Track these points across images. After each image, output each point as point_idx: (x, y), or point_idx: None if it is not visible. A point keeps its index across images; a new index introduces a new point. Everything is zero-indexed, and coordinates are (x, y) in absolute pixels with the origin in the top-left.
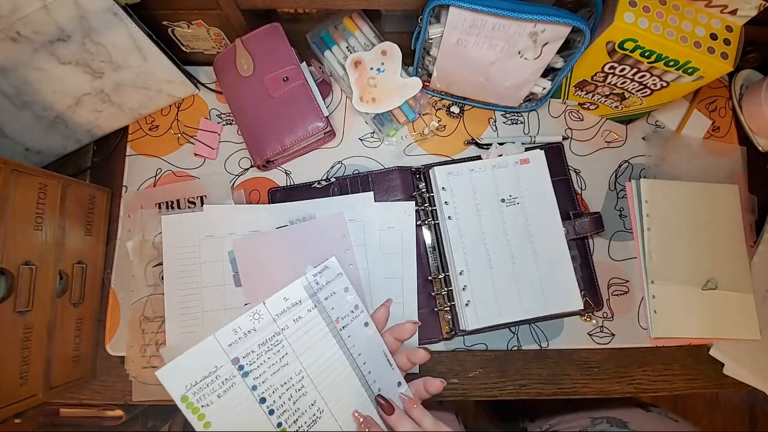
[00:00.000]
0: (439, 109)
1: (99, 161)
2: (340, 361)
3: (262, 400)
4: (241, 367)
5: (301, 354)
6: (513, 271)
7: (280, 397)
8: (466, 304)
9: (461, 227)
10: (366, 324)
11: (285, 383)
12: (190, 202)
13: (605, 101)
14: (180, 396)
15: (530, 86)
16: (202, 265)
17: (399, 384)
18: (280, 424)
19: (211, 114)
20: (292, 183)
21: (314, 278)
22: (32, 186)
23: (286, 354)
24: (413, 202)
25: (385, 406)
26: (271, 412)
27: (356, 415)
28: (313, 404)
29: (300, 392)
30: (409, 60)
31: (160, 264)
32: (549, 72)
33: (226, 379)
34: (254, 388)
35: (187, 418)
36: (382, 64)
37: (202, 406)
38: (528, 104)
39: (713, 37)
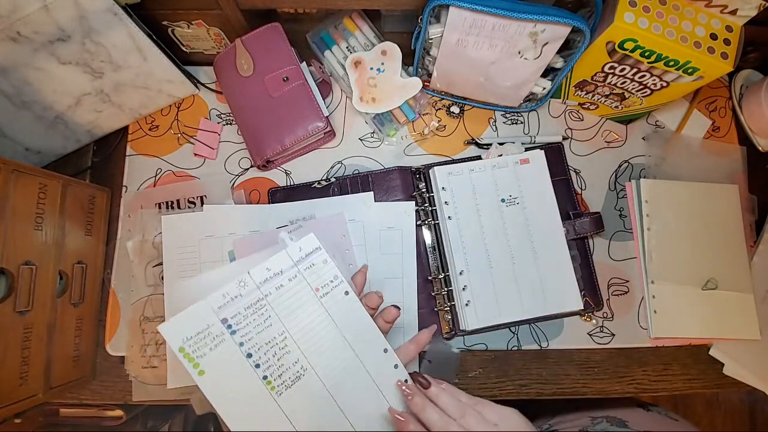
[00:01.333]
0: (439, 109)
1: (99, 161)
2: (321, 325)
3: (249, 355)
4: (229, 326)
5: (283, 317)
6: (513, 271)
7: (265, 353)
8: (466, 304)
9: (461, 227)
10: (346, 293)
11: (269, 342)
12: (190, 202)
13: (605, 101)
14: (178, 347)
15: (530, 86)
16: (202, 265)
17: (385, 351)
18: (265, 377)
19: (211, 114)
20: (292, 183)
21: (295, 250)
22: (32, 186)
23: (270, 317)
24: (413, 202)
25: (423, 382)
26: (257, 366)
27: (403, 387)
28: (296, 362)
29: (283, 350)
30: (409, 60)
31: (160, 264)
32: (549, 72)
33: (216, 335)
34: (241, 344)
35: (184, 365)
36: (382, 64)
37: (197, 357)
38: (528, 104)
39: (713, 37)
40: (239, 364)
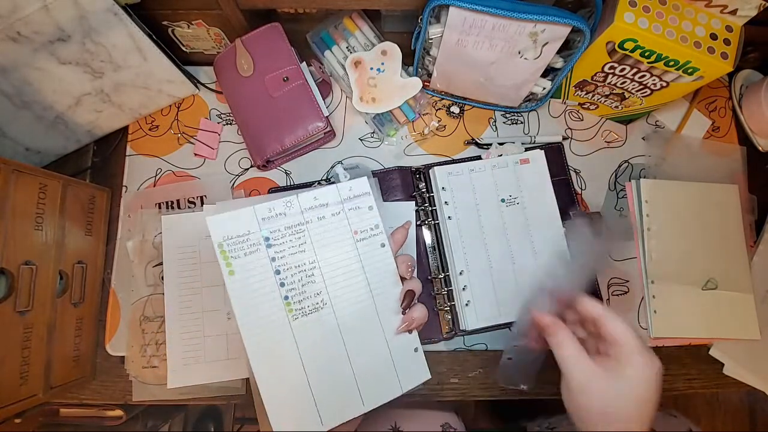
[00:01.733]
0: (439, 109)
1: (99, 161)
2: (351, 267)
3: (277, 272)
4: (267, 239)
5: (317, 248)
6: (513, 271)
7: (292, 275)
8: (466, 304)
9: (461, 227)
10: (383, 245)
11: (298, 266)
12: (190, 202)
13: (605, 101)
14: (218, 242)
15: (530, 86)
16: (202, 265)
17: (404, 312)
18: (286, 297)
19: (211, 114)
20: (292, 183)
21: (345, 188)
22: (32, 186)
23: (305, 243)
24: (413, 202)
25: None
26: (282, 284)
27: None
28: (318, 294)
29: (309, 279)
30: (409, 60)
31: (160, 264)
32: (549, 72)
33: (253, 243)
34: (273, 259)
35: (219, 262)
36: (382, 64)
37: (231, 257)
38: (528, 104)
39: (713, 37)
40: (267, 277)
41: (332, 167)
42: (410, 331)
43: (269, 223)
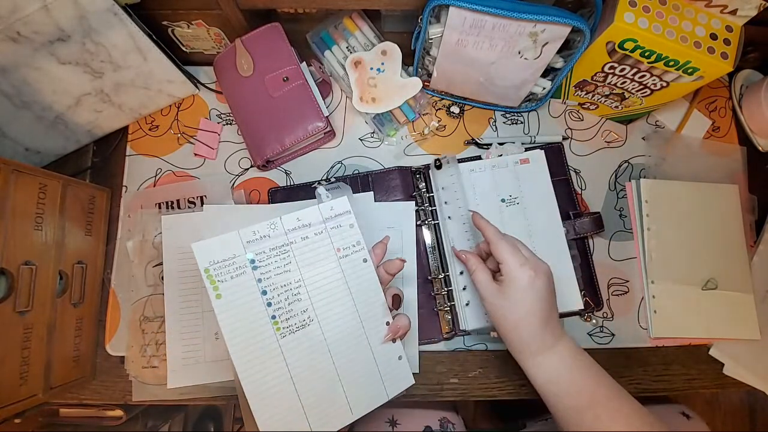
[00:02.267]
0: (439, 109)
1: (99, 161)
2: (335, 283)
3: (264, 292)
4: (252, 261)
5: (302, 267)
6: None
7: (278, 295)
8: (466, 304)
9: (461, 227)
10: (365, 260)
11: (284, 285)
12: (190, 202)
13: (605, 101)
14: (204, 267)
15: (530, 86)
16: None
17: (387, 324)
18: (274, 317)
19: (211, 114)
20: (292, 183)
21: (327, 208)
22: (32, 186)
23: (290, 263)
24: (413, 202)
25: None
26: (269, 304)
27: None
28: (305, 311)
29: (296, 297)
30: (409, 60)
31: (160, 264)
32: (549, 72)
33: (238, 266)
34: (259, 280)
35: (206, 286)
36: (382, 64)
37: (218, 281)
38: (528, 104)
39: (713, 37)
40: (253, 298)
41: (326, 174)
42: (394, 340)
43: (254, 246)
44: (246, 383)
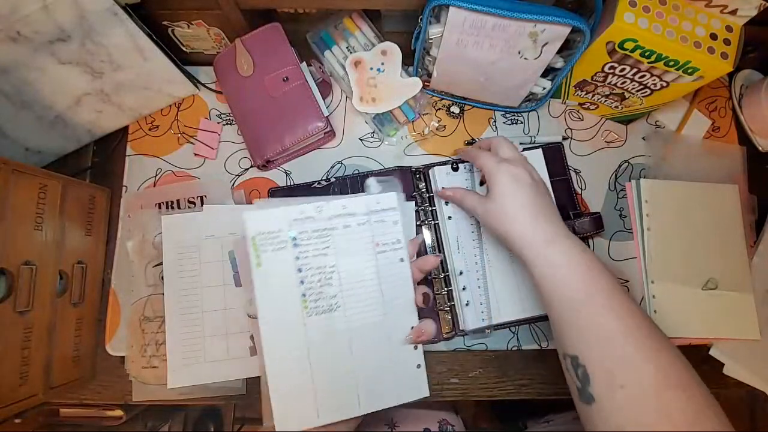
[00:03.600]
0: (439, 109)
1: (99, 161)
2: (367, 276)
3: (299, 270)
4: (294, 239)
5: (339, 254)
6: (512, 271)
7: (311, 275)
8: (466, 304)
9: (461, 227)
10: (402, 260)
11: (319, 268)
12: (190, 202)
13: (605, 101)
14: (251, 236)
15: (530, 86)
16: (202, 265)
17: (412, 327)
18: (303, 294)
19: (211, 114)
20: (292, 183)
21: (373, 201)
22: (32, 186)
23: (328, 247)
24: (413, 202)
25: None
26: (302, 282)
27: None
28: (333, 296)
29: (328, 281)
30: (409, 60)
31: (160, 264)
32: (549, 72)
33: (281, 241)
34: (297, 258)
35: (250, 253)
36: (382, 64)
37: (261, 251)
38: (528, 104)
39: (713, 37)
40: (289, 273)
41: (363, 178)
42: (416, 346)
43: (298, 225)
44: (267, 351)
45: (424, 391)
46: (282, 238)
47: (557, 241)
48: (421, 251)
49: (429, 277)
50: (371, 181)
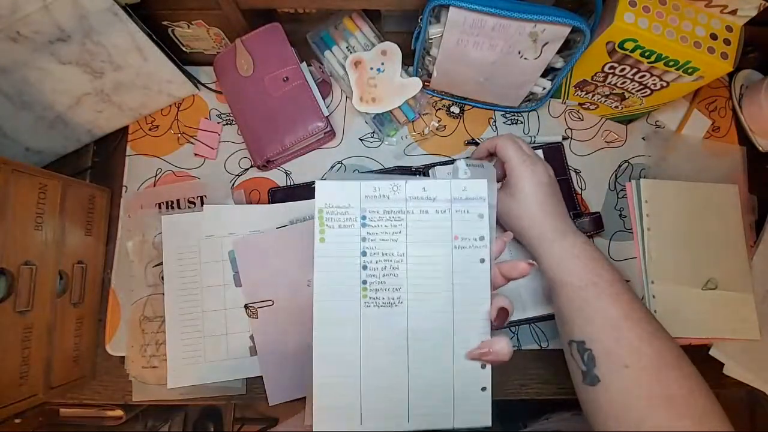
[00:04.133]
0: (439, 109)
1: (99, 161)
2: (440, 273)
3: (363, 253)
4: (363, 217)
5: (410, 242)
6: None
7: (376, 261)
8: None
9: None
10: (482, 260)
11: (385, 254)
12: (190, 202)
13: (605, 101)
14: (319, 207)
15: (530, 86)
16: (202, 265)
17: (482, 327)
18: (365, 281)
19: (211, 114)
20: (292, 183)
21: (459, 186)
22: (32, 186)
23: (400, 233)
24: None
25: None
26: (365, 267)
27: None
28: (397, 289)
29: (393, 271)
30: (409, 60)
31: (160, 264)
32: (549, 72)
33: (349, 218)
34: (363, 239)
35: (315, 226)
36: (382, 64)
37: (327, 225)
38: (528, 104)
39: (713, 37)
40: (352, 255)
41: (427, 168)
42: (484, 365)
43: (370, 203)
44: (317, 340)
45: (486, 420)
46: (351, 214)
47: (566, 236)
48: None
49: None
50: (460, 164)
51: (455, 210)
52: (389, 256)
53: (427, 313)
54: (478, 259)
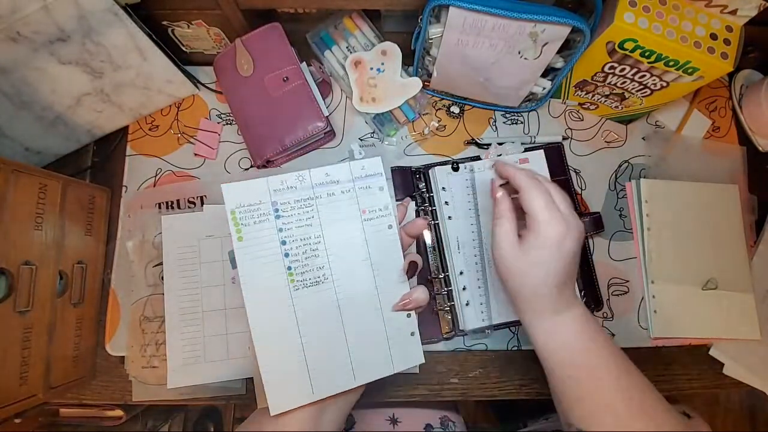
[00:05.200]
0: (439, 109)
1: (99, 161)
2: (355, 245)
3: (283, 242)
4: (276, 210)
5: (324, 224)
6: None
7: (297, 247)
8: (466, 304)
9: (461, 227)
10: (390, 226)
11: (303, 239)
12: (190, 202)
13: (605, 101)
14: (230, 209)
15: (530, 86)
16: (202, 265)
17: (400, 282)
18: (289, 267)
19: (211, 114)
20: None
21: (358, 167)
22: (32, 186)
23: (312, 218)
24: (413, 203)
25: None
26: (287, 255)
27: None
28: (320, 268)
29: (314, 253)
30: (409, 60)
31: (160, 264)
32: (549, 72)
33: (262, 213)
34: (280, 230)
35: (230, 228)
36: (382, 64)
37: (242, 224)
38: (528, 104)
39: (713, 37)
40: (273, 246)
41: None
42: (409, 314)
43: (280, 195)
44: (255, 329)
45: (418, 358)
46: (263, 210)
47: (566, 311)
48: (421, 251)
49: (429, 277)
50: (354, 146)
51: (358, 187)
52: (307, 239)
53: (351, 281)
54: (386, 226)
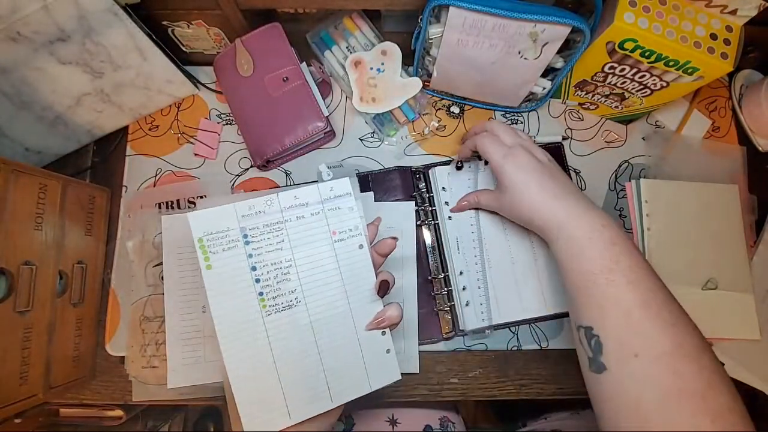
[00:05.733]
0: (439, 109)
1: (99, 161)
2: (327, 267)
3: (253, 268)
4: (245, 236)
5: (295, 247)
6: (512, 272)
7: (267, 272)
8: (466, 305)
9: (461, 227)
10: (361, 246)
11: (275, 263)
12: (190, 202)
13: (605, 101)
14: (197, 237)
15: (530, 86)
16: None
17: (374, 301)
18: (261, 293)
19: (211, 114)
20: (292, 183)
21: (326, 188)
22: (32, 186)
23: (282, 241)
24: (413, 202)
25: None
26: (258, 280)
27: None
28: (293, 291)
29: (285, 277)
30: (409, 60)
31: (160, 264)
32: (549, 72)
33: (231, 240)
34: (250, 256)
35: (198, 256)
36: (382, 64)
37: (210, 252)
38: (528, 104)
39: (713, 37)
40: (243, 273)
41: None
42: (383, 332)
43: (248, 221)
44: (228, 356)
45: (395, 375)
46: (232, 236)
47: (577, 217)
48: (421, 251)
49: (429, 278)
50: (322, 167)
51: (327, 209)
52: (278, 264)
53: (324, 303)
54: (357, 246)
